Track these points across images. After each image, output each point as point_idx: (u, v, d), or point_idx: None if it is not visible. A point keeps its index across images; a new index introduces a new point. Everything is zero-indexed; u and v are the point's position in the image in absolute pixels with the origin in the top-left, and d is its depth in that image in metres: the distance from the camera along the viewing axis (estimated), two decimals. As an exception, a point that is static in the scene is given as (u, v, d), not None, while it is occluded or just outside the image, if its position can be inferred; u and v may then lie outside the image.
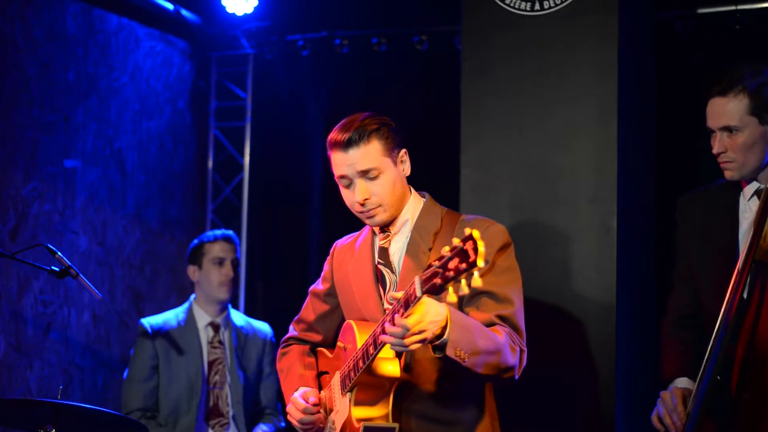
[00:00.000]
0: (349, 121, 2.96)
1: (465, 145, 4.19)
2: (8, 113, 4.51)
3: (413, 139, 5.43)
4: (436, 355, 2.69)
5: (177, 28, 5.66)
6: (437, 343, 2.65)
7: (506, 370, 2.80)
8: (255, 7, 5.58)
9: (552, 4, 4.06)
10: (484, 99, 4.17)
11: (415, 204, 3.02)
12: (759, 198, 3.17)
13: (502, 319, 2.85)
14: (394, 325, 2.61)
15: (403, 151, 3.00)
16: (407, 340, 2.59)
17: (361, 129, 2.91)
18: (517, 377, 2.86)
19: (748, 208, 3.23)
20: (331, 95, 5.75)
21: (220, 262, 4.74)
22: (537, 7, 4.09)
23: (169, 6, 5.39)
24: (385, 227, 3.01)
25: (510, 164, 4.12)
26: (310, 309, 3.30)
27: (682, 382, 3.23)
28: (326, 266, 3.24)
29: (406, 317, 2.59)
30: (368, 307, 2.99)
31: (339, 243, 3.23)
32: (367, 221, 3.01)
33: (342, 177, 2.94)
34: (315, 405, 3.05)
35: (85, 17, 5.00)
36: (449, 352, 2.64)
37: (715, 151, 3.18)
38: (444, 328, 2.63)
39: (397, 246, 3.00)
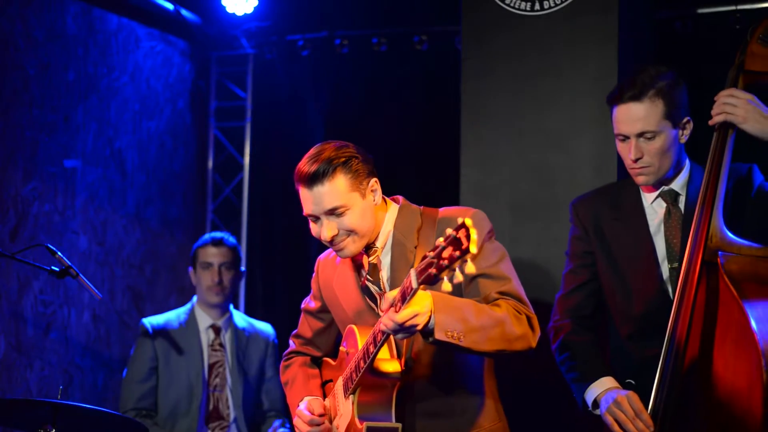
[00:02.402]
0: (315, 153, 2.88)
1: (465, 145, 4.19)
2: (8, 113, 4.51)
3: (413, 139, 5.49)
4: (429, 341, 2.64)
5: (177, 28, 5.66)
6: (424, 328, 2.61)
7: (516, 340, 2.74)
8: (255, 7, 5.59)
9: (552, 4, 4.06)
10: (484, 99, 4.17)
11: (392, 212, 2.99)
12: (664, 200, 3.22)
13: (504, 293, 2.83)
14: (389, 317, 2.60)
15: (374, 180, 2.90)
16: (405, 330, 2.58)
17: (326, 164, 2.82)
18: (534, 346, 2.79)
19: (653, 210, 3.24)
20: (331, 95, 5.75)
21: (208, 266, 4.73)
22: (537, 7, 4.09)
23: (169, 6, 5.39)
24: (369, 246, 2.96)
25: (510, 164, 4.12)
26: (306, 326, 3.29)
27: (611, 382, 3.17)
28: (313, 284, 3.22)
29: (403, 309, 2.58)
30: (364, 322, 2.98)
31: (321, 258, 3.20)
32: (338, 254, 2.96)
33: (308, 215, 2.90)
34: (321, 416, 3.04)
35: (85, 17, 5.00)
36: (438, 335, 2.60)
37: (633, 157, 3.14)
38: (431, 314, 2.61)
39: (385, 256, 2.98)
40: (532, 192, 4.07)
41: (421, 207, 3.02)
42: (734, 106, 3.04)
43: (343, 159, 2.84)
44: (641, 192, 3.27)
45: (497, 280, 2.85)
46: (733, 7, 4.71)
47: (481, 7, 4.18)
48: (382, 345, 2.72)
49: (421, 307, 2.59)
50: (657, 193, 3.24)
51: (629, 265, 3.24)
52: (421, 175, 5.38)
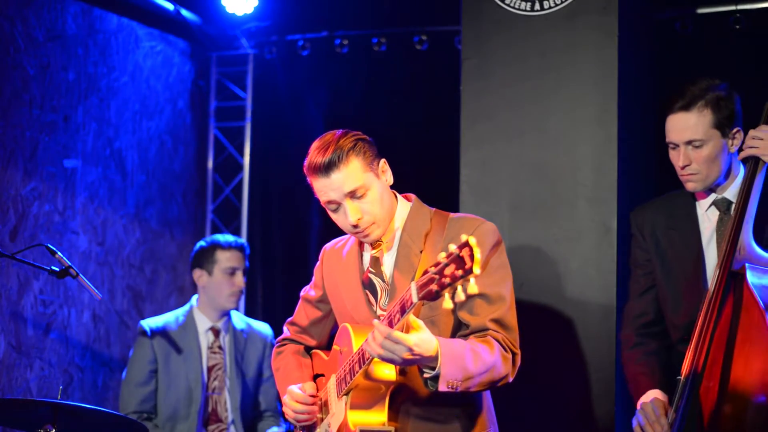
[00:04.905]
0: (323, 144, 2.91)
1: (465, 146, 4.19)
2: (8, 113, 4.51)
3: (413, 139, 5.48)
4: (427, 387, 2.70)
5: (177, 28, 5.66)
6: (429, 375, 2.67)
7: (499, 380, 2.82)
8: (255, 7, 5.58)
9: (552, 4, 4.06)
10: (484, 99, 4.17)
11: (402, 209, 3.01)
12: (717, 208, 3.31)
13: (495, 322, 2.85)
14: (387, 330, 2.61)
15: (383, 161, 2.97)
16: (387, 353, 2.60)
17: (339, 150, 2.86)
18: (511, 380, 2.87)
19: (706, 218, 3.34)
20: (331, 95, 5.75)
21: (233, 272, 4.68)
22: (537, 7, 4.09)
23: (169, 6, 5.39)
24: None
25: (510, 164, 4.12)
26: (303, 314, 3.30)
27: (654, 393, 3.28)
28: (316, 273, 3.23)
29: (398, 329, 2.60)
30: (360, 316, 2.99)
31: (327, 248, 3.21)
32: (363, 240, 2.99)
33: (329, 202, 2.92)
34: (312, 396, 3.06)
35: (85, 17, 5.00)
36: (442, 387, 2.66)
37: (681, 164, 3.27)
38: (435, 360, 2.63)
39: (389, 253, 2.99)
40: (532, 192, 4.07)
41: (433, 209, 3.02)
42: (761, 140, 3.18)
43: (351, 143, 2.89)
44: (696, 201, 3.37)
45: (493, 303, 2.86)
46: (733, 7, 4.70)
47: (481, 7, 4.18)
48: None
49: (424, 347, 2.60)
50: (710, 201, 3.33)
51: (680, 273, 3.36)
52: (420, 175, 5.37)
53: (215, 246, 4.74)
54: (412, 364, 2.68)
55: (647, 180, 4.34)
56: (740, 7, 4.70)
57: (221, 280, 4.67)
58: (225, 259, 4.69)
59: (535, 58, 4.09)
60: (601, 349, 3.91)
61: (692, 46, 4.83)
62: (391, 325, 2.62)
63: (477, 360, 2.72)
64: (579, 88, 4.02)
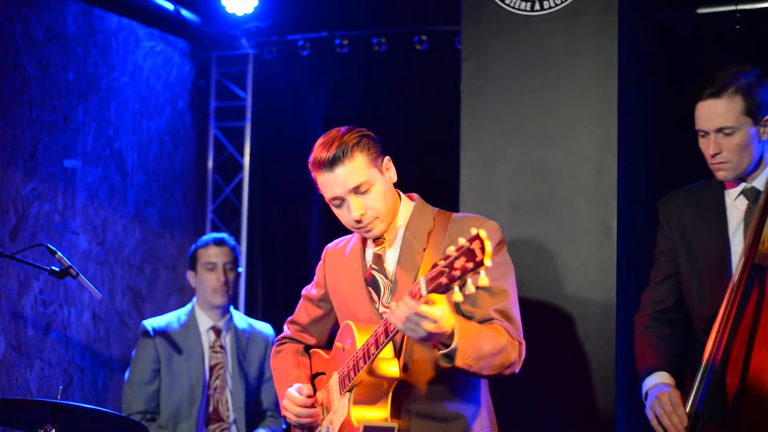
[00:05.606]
0: (328, 140, 2.93)
1: (465, 145, 4.19)
2: (8, 113, 4.51)
3: (413, 139, 5.49)
4: (445, 365, 2.69)
5: (177, 28, 5.66)
6: (445, 351, 2.66)
7: (508, 367, 2.82)
8: (255, 7, 5.59)
9: (552, 4, 4.06)
10: (484, 99, 4.17)
11: (406, 208, 3.02)
12: (746, 197, 3.26)
13: (499, 312, 2.86)
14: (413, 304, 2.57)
15: (387, 158, 2.98)
16: (411, 324, 2.57)
17: (343, 145, 2.88)
18: (517, 371, 2.87)
19: (735, 207, 3.30)
20: (331, 95, 5.75)
21: (213, 267, 4.72)
22: (537, 7, 4.09)
23: (169, 6, 5.39)
24: (376, 237, 3.00)
25: (510, 164, 4.12)
26: (304, 312, 3.31)
27: (662, 377, 3.27)
28: (318, 272, 3.24)
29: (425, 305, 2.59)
30: (362, 313, 3.00)
31: (330, 247, 3.23)
32: (365, 235, 3.00)
33: (333, 198, 2.93)
34: (309, 397, 3.06)
35: (85, 17, 5.00)
36: (458, 362, 2.65)
37: (711, 152, 3.22)
38: (451, 337, 2.63)
39: (392, 251, 3.00)
40: (532, 192, 4.07)
41: (436, 209, 3.03)
42: None
43: (356, 139, 2.91)
44: (725, 190, 3.32)
45: (496, 296, 2.87)
46: (733, 7, 4.71)
47: (481, 7, 4.18)
48: (384, 347, 2.72)
49: (445, 321, 2.59)
50: (739, 190, 3.29)
51: (706, 263, 3.32)
52: (420, 175, 5.38)
53: (197, 246, 4.82)
54: (429, 339, 2.64)
55: (647, 180, 4.34)
56: (740, 7, 4.70)
57: (204, 277, 4.72)
58: (204, 255, 4.75)
59: (535, 58, 4.09)
60: (602, 349, 3.91)
61: (692, 46, 4.84)
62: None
63: (490, 340, 2.73)
64: (579, 88, 4.02)
